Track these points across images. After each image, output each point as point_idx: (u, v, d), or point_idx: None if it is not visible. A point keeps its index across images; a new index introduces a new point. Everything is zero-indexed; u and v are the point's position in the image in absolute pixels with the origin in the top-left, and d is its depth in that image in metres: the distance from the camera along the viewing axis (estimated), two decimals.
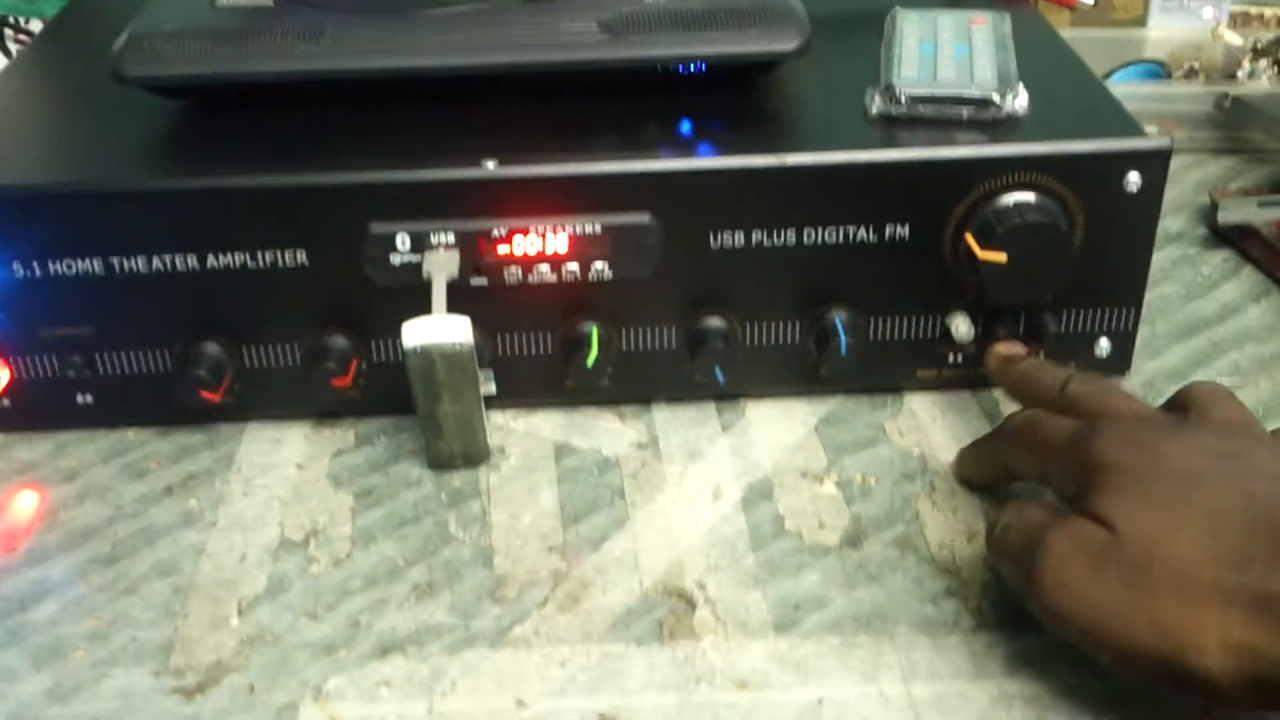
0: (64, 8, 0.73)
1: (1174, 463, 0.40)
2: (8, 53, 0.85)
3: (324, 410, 0.57)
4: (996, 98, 0.53)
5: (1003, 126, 0.53)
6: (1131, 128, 0.52)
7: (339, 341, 0.54)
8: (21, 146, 0.56)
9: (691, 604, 0.47)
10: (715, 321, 0.54)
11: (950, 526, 0.50)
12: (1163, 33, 0.86)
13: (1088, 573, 0.39)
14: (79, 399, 0.55)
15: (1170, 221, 0.69)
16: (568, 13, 0.55)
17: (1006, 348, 0.54)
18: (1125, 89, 0.80)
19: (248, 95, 0.56)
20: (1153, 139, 0.51)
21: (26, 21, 0.86)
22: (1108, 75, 0.83)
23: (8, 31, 0.85)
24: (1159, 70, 0.84)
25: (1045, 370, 0.51)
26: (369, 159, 0.52)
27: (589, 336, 0.54)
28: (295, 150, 0.53)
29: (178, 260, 0.52)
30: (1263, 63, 0.79)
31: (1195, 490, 0.39)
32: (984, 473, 0.51)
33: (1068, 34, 0.91)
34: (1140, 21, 0.89)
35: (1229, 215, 0.66)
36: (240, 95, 0.56)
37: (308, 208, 0.51)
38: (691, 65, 0.55)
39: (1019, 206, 0.51)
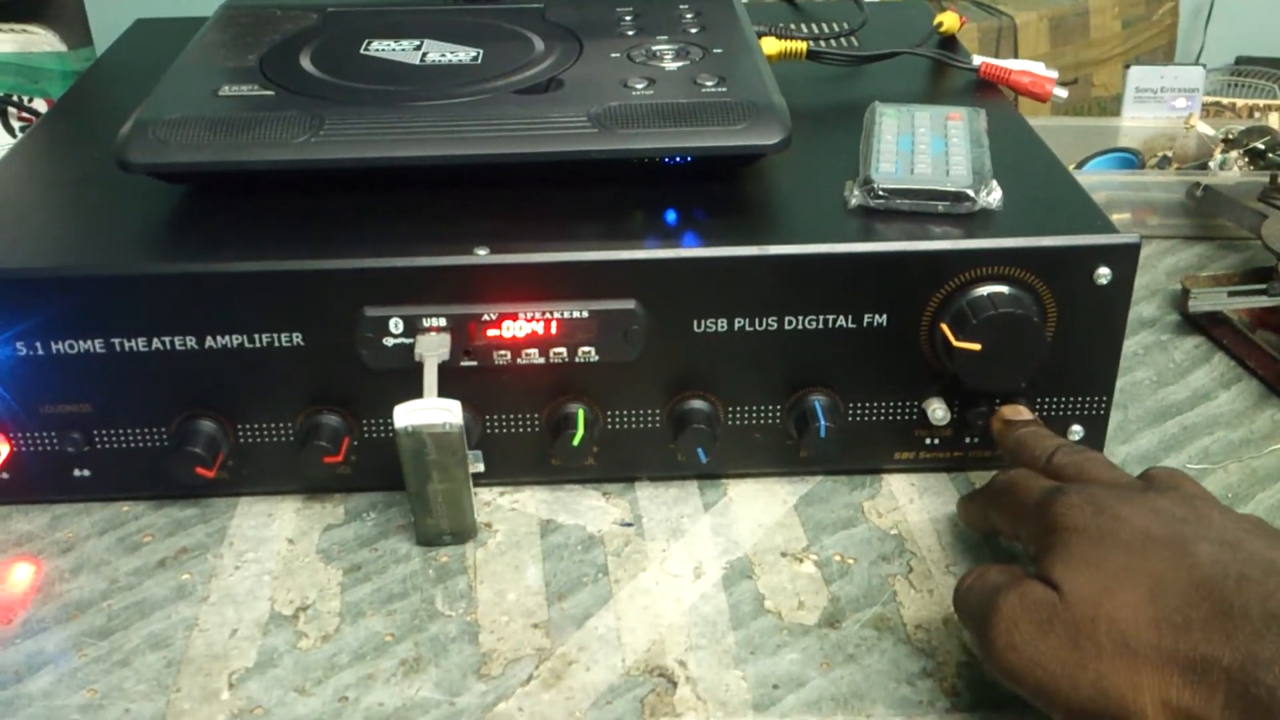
0: (68, 91, 0.75)
1: (1128, 527, 0.42)
2: (11, 131, 0.87)
3: (315, 484, 0.58)
4: (971, 192, 0.55)
5: (977, 220, 0.55)
6: (1102, 223, 0.54)
7: (332, 420, 0.55)
8: (26, 229, 0.58)
9: (673, 682, 0.48)
10: (698, 403, 0.56)
11: (927, 607, 0.51)
12: (1136, 122, 0.89)
13: (1036, 634, 0.41)
14: (76, 473, 0.57)
15: (1143, 307, 0.71)
16: (558, 105, 0.58)
17: (1011, 410, 0.56)
18: (1099, 177, 0.82)
19: (248, 182, 0.58)
20: (1122, 235, 0.53)
21: (30, 100, 0.88)
22: (1083, 163, 0.86)
23: (11, 110, 0.87)
24: (1133, 159, 0.87)
25: (1040, 438, 0.52)
26: (363, 245, 0.54)
27: (575, 417, 0.55)
28: (292, 236, 0.55)
29: (176, 341, 0.53)
30: (1234, 153, 0.82)
31: (1143, 554, 0.41)
32: (975, 524, 0.54)
33: (1044, 122, 0.95)
34: (1115, 110, 0.92)
35: (1200, 304, 0.68)
36: (241, 182, 0.58)
37: (303, 292, 0.53)
38: (677, 157, 0.57)
39: (992, 298, 0.53)
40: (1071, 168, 0.85)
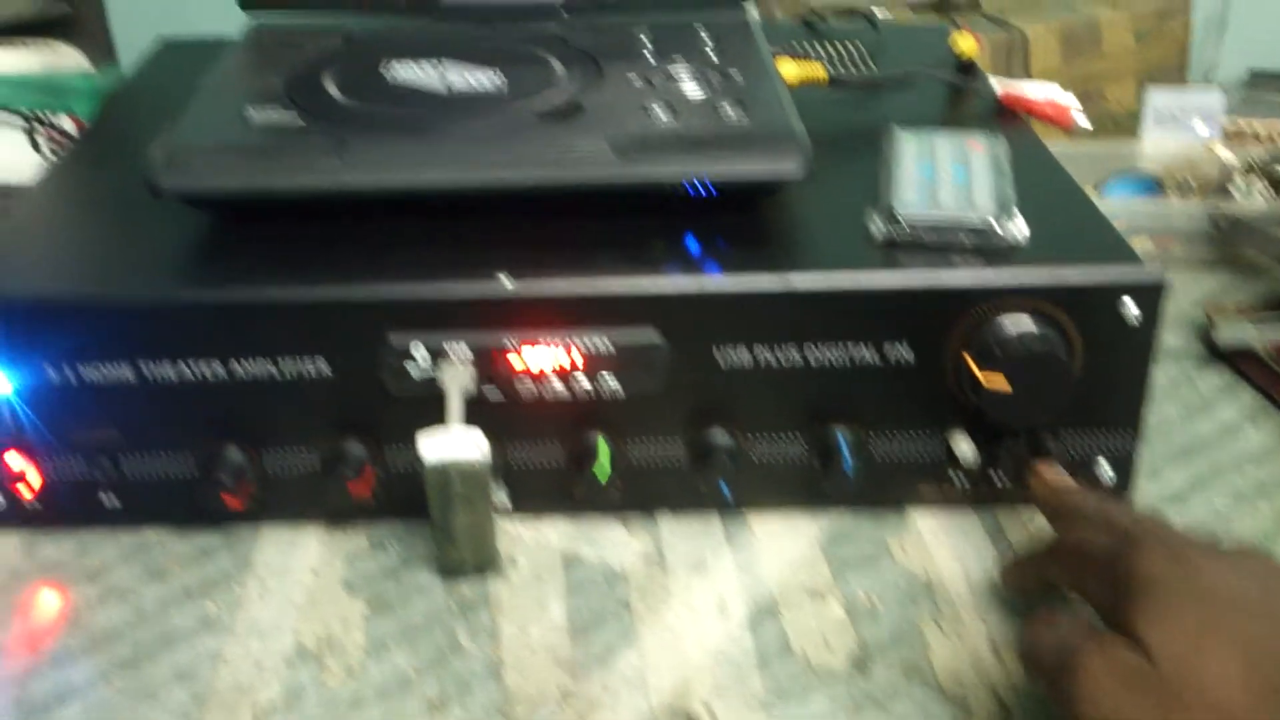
0: (97, 113, 0.75)
1: (1210, 579, 0.41)
2: (37, 148, 0.87)
3: (339, 513, 0.58)
4: (996, 225, 0.55)
5: (1002, 253, 0.55)
6: (1129, 257, 0.54)
7: (356, 448, 0.55)
8: (58, 254, 0.58)
9: None
10: (722, 437, 0.56)
11: (957, 653, 0.51)
12: (1156, 146, 0.89)
13: (1124, 696, 0.39)
14: (104, 500, 0.57)
15: (1167, 336, 0.71)
16: (579, 133, 0.57)
17: (1050, 471, 0.55)
18: (1121, 204, 0.82)
19: (275, 207, 0.58)
20: (1150, 271, 0.53)
21: (55, 117, 0.88)
22: (1100, 185, 0.85)
23: (37, 127, 0.87)
24: (1152, 184, 0.86)
25: (1086, 498, 0.51)
26: (388, 272, 0.54)
27: (598, 449, 0.55)
28: (318, 263, 0.55)
29: (203, 367, 0.53)
30: (1256, 180, 0.82)
31: (1232, 612, 0.39)
32: (1027, 586, 0.52)
33: (1060, 146, 0.94)
34: (1128, 125, 0.92)
35: (1225, 336, 0.68)
36: (268, 207, 0.58)
37: (328, 320, 0.53)
38: (698, 187, 0.57)
39: (1018, 333, 0.52)
40: (1090, 188, 0.85)
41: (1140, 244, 0.80)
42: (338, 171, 0.55)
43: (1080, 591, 0.46)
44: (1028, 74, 1.93)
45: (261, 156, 0.56)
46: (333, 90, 0.63)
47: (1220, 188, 0.84)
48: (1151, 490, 0.60)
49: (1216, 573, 0.41)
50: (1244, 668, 0.38)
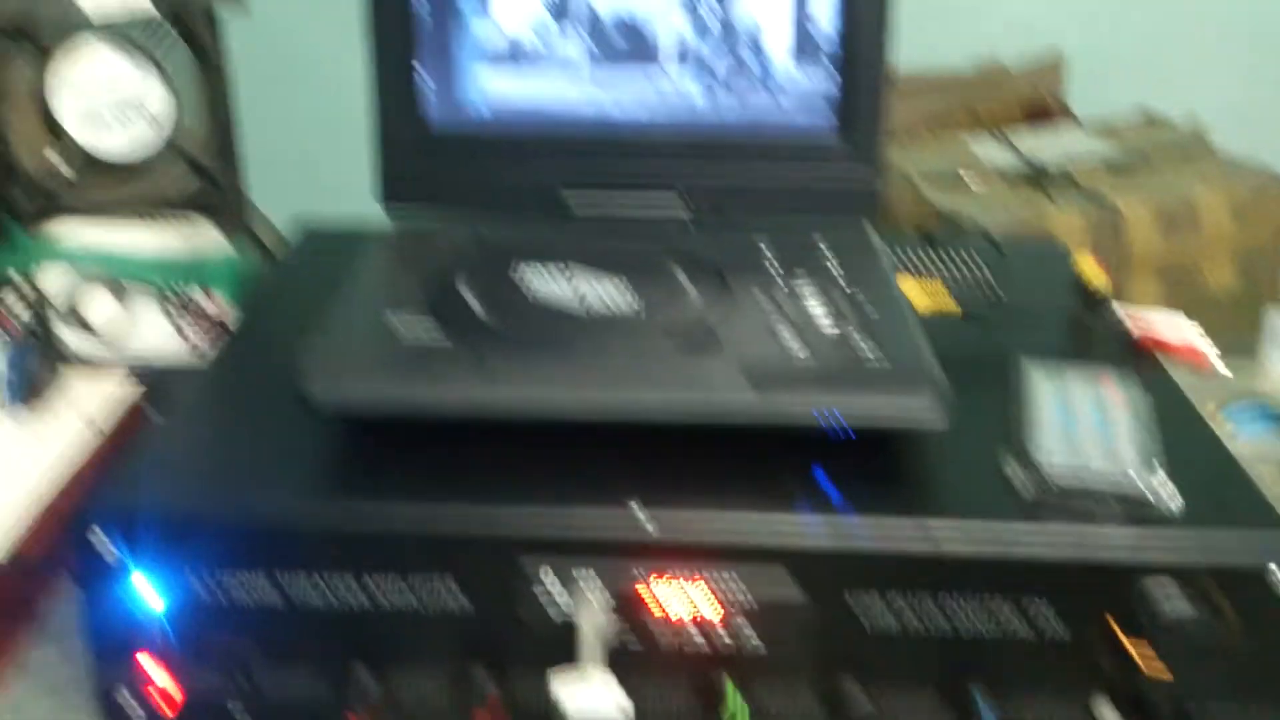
0: (243, 311, 0.78)
1: None
2: (177, 326, 0.90)
3: None
4: (1145, 489, 0.54)
5: (1153, 521, 0.54)
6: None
7: (483, 675, 0.56)
8: (205, 467, 0.60)
9: None
10: (855, 691, 0.55)
11: None
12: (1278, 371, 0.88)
13: None
14: (231, 708, 0.57)
15: None
16: (717, 362, 0.58)
17: None
18: (1249, 446, 0.81)
19: (420, 422, 0.60)
20: None
21: (195, 296, 0.90)
22: (1220, 410, 0.85)
23: (177, 306, 0.90)
24: (1274, 411, 0.86)
25: None
26: (524, 498, 0.55)
27: (726, 696, 0.55)
28: (454, 483, 0.56)
29: (338, 584, 0.55)
30: None
31: None
32: None
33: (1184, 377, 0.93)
34: (1226, 300, 0.91)
35: None
36: (413, 422, 0.60)
37: (464, 545, 0.55)
38: (836, 428, 0.57)
39: (1172, 608, 0.52)
40: (1210, 409, 0.85)
41: (1263, 469, 0.79)
42: (481, 393, 0.57)
43: None
44: (1125, 251, 1.93)
45: (409, 374, 0.58)
46: (472, 302, 0.65)
47: None
48: None
49: None
50: None
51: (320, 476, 0.59)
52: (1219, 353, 0.70)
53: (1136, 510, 0.54)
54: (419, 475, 0.57)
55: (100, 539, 0.54)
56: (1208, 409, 0.83)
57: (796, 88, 0.71)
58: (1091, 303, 0.75)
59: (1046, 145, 1.74)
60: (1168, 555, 0.52)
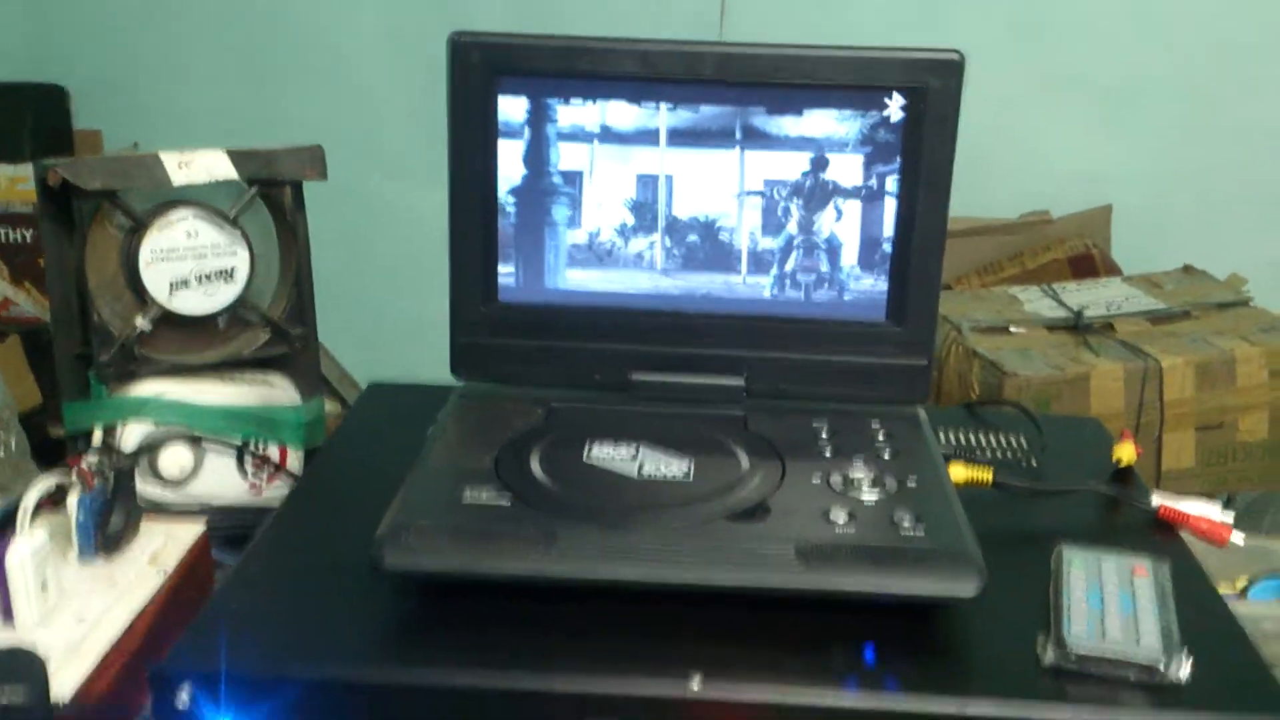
0: (311, 465, 0.83)
1: None
2: (245, 474, 0.94)
3: None
4: (1161, 666, 0.58)
5: (1165, 691, 0.58)
6: None
7: None
8: (274, 630, 0.63)
9: None
10: None
11: None
12: None
13: None
14: None
15: None
16: (766, 536, 0.63)
17: None
18: (1267, 609, 0.84)
19: (483, 588, 0.64)
20: None
21: (265, 448, 0.95)
22: (1248, 586, 0.88)
23: (249, 458, 0.94)
24: None
25: None
26: (581, 664, 0.59)
27: None
28: (516, 648, 0.60)
29: None
30: None
31: None
32: None
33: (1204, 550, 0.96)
34: (1262, 458, 0.93)
35: None
36: (476, 588, 0.64)
37: (523, 710, 0.58)
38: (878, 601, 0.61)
39: None
40: (1238, 587, 0.87)
41: None
42: (543, 563, 0.62)
43: None
44: (1161, 402, 1.95)
45: (475, 542, 0.63)
46: (537, 472, 0.69)
47: None
48: None
49: None
50: None
51: (391, 640, 0.63)
52: (1238, 531, 0.73)
53: (1151, 681, 0.58)
54: (485, 640, 0.61)
55: (185, 697, 0.58)
56: (1236, 584, 0.86)
57: (859, 285, 0.77)
58: (1120, 475, 0.79)
59: (1090, 297, 1.79)
60: None
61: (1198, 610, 0.65)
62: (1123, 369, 1.91)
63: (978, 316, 1.72)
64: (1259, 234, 2.09)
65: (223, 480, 0.94)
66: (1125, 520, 0.76)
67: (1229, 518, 0.74)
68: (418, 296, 0.97)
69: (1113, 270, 2.03)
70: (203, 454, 0.93)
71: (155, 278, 0.89)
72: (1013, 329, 1.74)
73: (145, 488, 0.90)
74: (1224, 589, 0.65)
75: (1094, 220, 2.06)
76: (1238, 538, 0.73)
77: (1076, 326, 2.04)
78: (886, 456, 0.71)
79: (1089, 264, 2.04)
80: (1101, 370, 1.87)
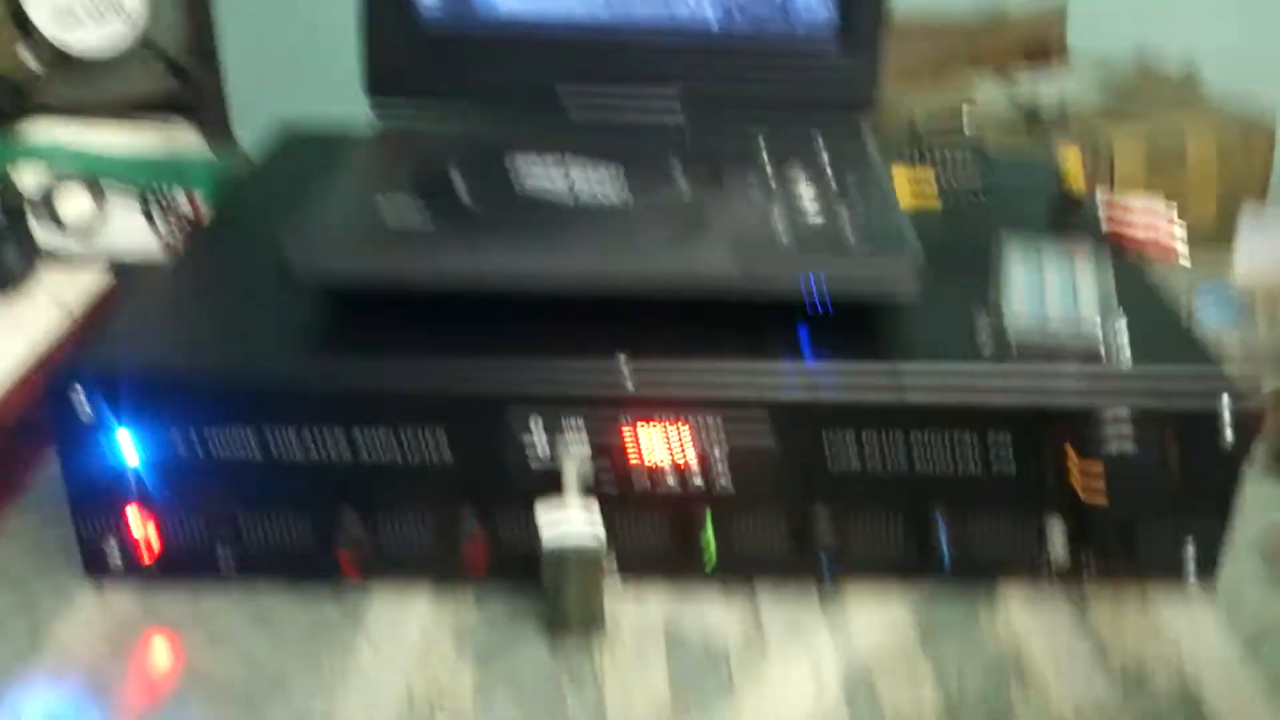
0: (224, 199, 0.79)
1: None
2: (153, 225, 0.90)
3: (449, 571, 0.60)
4: (1101, 346, 0.57)
5: (1106, 371, 0.57)
6: (1228, 384, 0.56)
7: (471, 513, 0.58)
8: (191, 334, 0.61)
9: None
10: (824, 515, 0.58)
11: None
12: (1248, 265, 0.89)
13: None
14: (220, 555, 0.59)
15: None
16: (704, 239, 0.60)
17: None
18: (1211, 327, 0.82)
19: (400, 299, 0.61)
20: (1248, 398, 0.55)
21: (173, 197, 0.90)
22: (1190, 301, 0.86)
23: (155, 205, 0.90)
24: (1240, 301, 0.87)
25: None
26: (510, 353, 0.57)
27: (704, 529, 0.58)
28: (440, 345, 0.58)
29: (326, 439, 0.56)
30: None
31: None
32: None
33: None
34: (1209, 234, 0.92)
35: None
36: (392, 299, 0.61)
37: (450, 406, 0.56)
38: (815, 300, 0.59)
39: (1119, 446, 0.54)
40: (1183, 300, 0.86)
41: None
42: (462, 268, 0.59)
43: None
44: (1111, 185, 1.94)
45: (390, 249, 0.60)
46: (461, 186, 0.66)
47: None
48: (1236, 572, 0.61)
49: None
50: None
51: (307, 337, 0.60)
52: (1186, 247, 0.71)
53: (1091, 354, 0.57)
54: (409, 337, 0.59)
55: (80, 398, 0.56)
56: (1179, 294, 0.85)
57: None
58: (1070, 201, 0.76)
59: (1043, 88, 1.77)
60: (1119, 399, 0.55)
61: (1143, 303, 0.63)
62: (1074, 150, 1.89)
63: (928, 105, 1.69)
64: (1213, 17, 2.06)
65: (131, 232, 0.90)
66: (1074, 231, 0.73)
67: (1179, 233, 0.72)
68: (334, 33, 0.90)
69: (1066, 60, 1.99)
70: (106, 202, 0.88)
71: (37, 4, 0.83)
72: (965, 115, 1.71)
73: (50, 238, 0.86)
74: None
75: (1050, 9, 2.01)
76: (1186, 259, 0.71)
77: (1029, 116, 2.01)
78: (827, 164, 0.68)
79: (1044, 53, 2.01)
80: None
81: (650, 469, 0.57)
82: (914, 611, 0.59)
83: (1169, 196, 2.16)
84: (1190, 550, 0.58)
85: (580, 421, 0.56)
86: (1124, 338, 0.57)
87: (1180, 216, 0.85)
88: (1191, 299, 0.87)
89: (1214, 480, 0.56)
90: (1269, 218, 0.90)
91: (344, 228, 0.61)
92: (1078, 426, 0.55)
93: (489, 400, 0.56)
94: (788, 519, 0.58)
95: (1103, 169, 2.01)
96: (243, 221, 0.75)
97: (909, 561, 0.58)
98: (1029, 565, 0.59)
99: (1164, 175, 2.03)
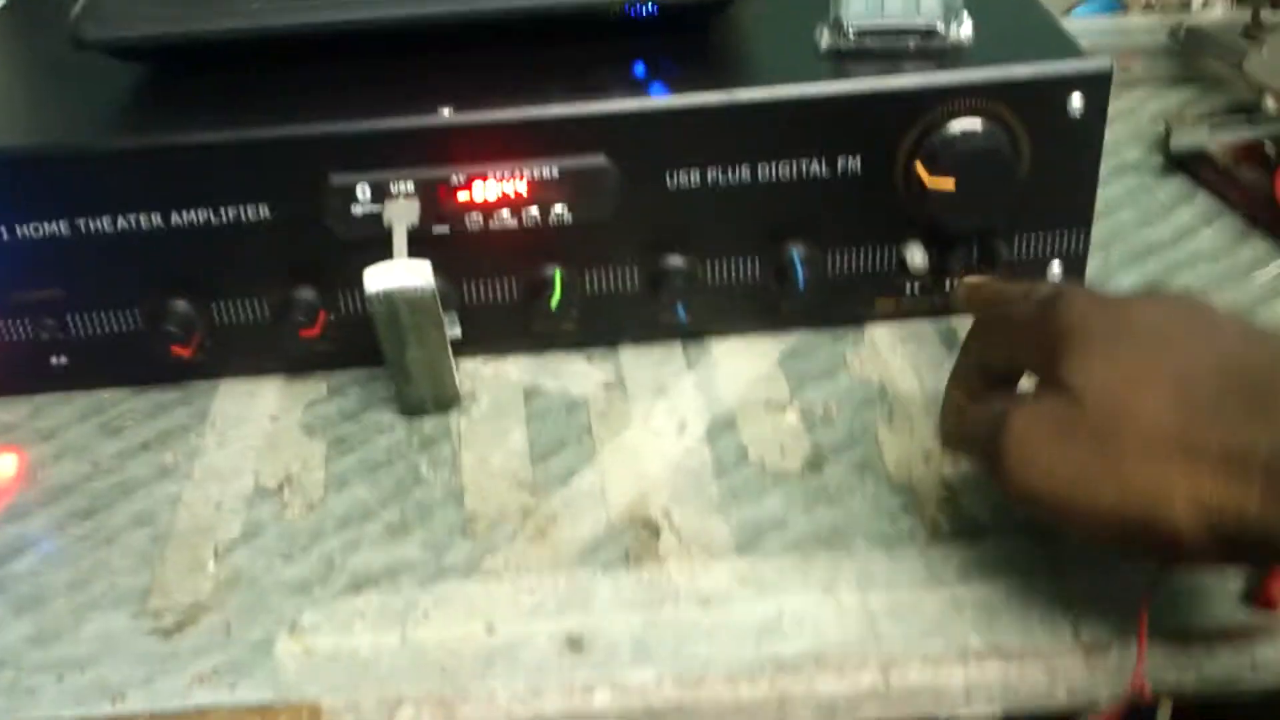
0: None
1: (1141, 323, 0.39)
2: None
3: (296, 363, 0.58)
4: (941, 26, 0.54)
5: (948, 55, 0.54)
6: (1073, 51, 0.53)
7: (306, 294, 0.55)
8: None
9: (656, 531, 0.48)
10: (676, 260, 0.55)
11: (907, 448, 0.51)
12: None
13: (1054, 444, 0.39)
14: (54, 361, 0.56)
15: (1127, 152, 0.70)
16: None
17: (975, 278, 0.54)
18: (1081, 24, 0.81)
19: (206, 55, 0.57)
20: (1093, 61, 0.52)
21: None
22: (1069, 10, 0.84)
23: None
24: (1117, 3, 0.85)
25: (1011, 286, 0.50)
26: (327, 111, 0.53)
27: (552, 279, 0.55)
28: (253, 106, 0.54)
29: (142, 219, 0.53)
30: None
31: (1164, 350, 0.38)
32: (972, 387, 0.47)
33: None
34: None
35: (1181, 140, 0.67)
36: (198, 55, 0.57)
37: (267, 161, 0.52)
38: (639, 6, 0.56)
39: (964, 134, 0.52)
40: (1059, 12, 0.84)
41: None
42: (266, 13, 0.54)
43: (1011, 361, 0.44)
44: None
45: (187, 2, 0.55)
46: None
47: (1183, 3, 0.83)
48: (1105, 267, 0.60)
49: (1142, 312, 0.40)
50: (1173, 392, 0.37)
51: (117, 111, 0.56)
52: None
53: (932, 46, 0.54)
54: (221, 103, 0.55)
55: None
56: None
57: None
58: None
59: None
60: (960, 83, 0.52)
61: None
62: None
63: None
64: None
65: None
66: None
67: None
68: None
69: None
70: None
71: None
72: None
73: None
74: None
75: None
76: None
77: None
78: None
79: None
80: None
81: (483, 208, 0.53)
82: (778, 351, 0.57)
83: None
84: (1055, 250, 0.56)
85: (406, 175, 0.52)
86: (966, 23, 0.54)
87: None
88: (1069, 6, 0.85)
89: (1071, 163, 0.54)
90: None
91: None
92: (919, 109, 0.52)
93: (306, 161, 0.52)
94: (636, 254, 0.55)
95: None
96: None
97: (767, 289, 0.56)
98: (891, 287, 0.57)
99: None
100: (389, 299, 0.50)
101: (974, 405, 0.44)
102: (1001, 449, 0.40)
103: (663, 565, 0.46)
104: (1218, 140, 0.66)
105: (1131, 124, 0.73)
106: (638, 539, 0.48)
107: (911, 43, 0.54)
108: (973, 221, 0.54)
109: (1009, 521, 0.47)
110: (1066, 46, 0.54)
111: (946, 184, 0.52)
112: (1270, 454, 0.35)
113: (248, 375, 0.58)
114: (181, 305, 0.55)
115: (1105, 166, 0.55)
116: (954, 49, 0.54)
